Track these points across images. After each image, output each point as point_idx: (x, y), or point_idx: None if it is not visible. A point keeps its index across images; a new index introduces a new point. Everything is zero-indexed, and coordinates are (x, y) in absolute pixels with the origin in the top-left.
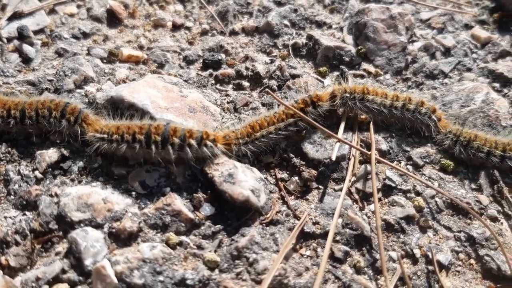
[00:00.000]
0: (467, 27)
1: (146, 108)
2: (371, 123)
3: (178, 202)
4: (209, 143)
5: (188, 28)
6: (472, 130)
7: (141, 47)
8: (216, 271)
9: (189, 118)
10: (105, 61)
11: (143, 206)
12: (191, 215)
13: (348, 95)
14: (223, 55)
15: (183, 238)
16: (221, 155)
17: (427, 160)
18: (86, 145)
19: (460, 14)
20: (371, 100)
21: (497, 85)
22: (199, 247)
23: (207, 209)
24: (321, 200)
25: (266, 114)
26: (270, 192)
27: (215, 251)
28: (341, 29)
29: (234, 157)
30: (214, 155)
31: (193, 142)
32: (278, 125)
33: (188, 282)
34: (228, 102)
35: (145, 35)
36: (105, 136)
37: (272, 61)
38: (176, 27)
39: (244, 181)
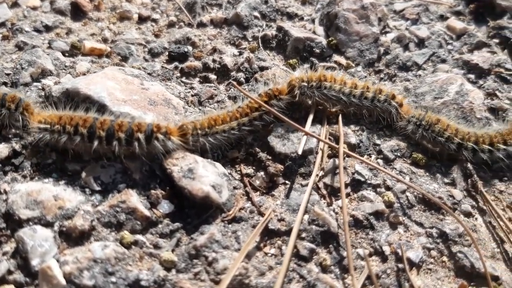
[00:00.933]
0: (442, 18)
1: (103, 101)
2: (340, 115)
3: (133, 199)
4: (160, 136)
5: (155, 20)
6: (436, 115)
7: (105, 40)
8: (173, 271)
9: (149, 111)
10: (67, 54)
11: (97, 203)
12: (147, 213)
13: (306, 84)
14: (189, 48)
15: (139, 237)
16: (178, 148)
17: (398, 154)
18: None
19: (435, 5)
20: (328, 87)
21: (472, 76)
22: (156, 246)
23: (165, 206)
24: (287, 196)
25: (230, 108)
26: (234, 188)
27: (173, 251)
28: (313, 21)
29: (194, 149)
30: (167, 150)
31: (141, 136)
32: (242, 120)
33: (143, 283)
34: (192, 95)
35: (109, 27)
36: (48, 126)
37: (240, 54)
38: (142, 20)
39: (205, 176)
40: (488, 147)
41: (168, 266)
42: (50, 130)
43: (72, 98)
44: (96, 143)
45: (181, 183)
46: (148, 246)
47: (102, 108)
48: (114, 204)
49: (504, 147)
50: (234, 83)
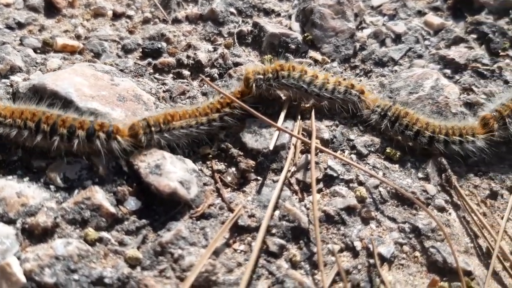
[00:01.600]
0: (420, 13)
1: (70, 97)
2: (313, 110)
3: (99, 196)
4: (102, 135)
5: (130, 17)
6: (405, 108)
7: (78, 37)
8: (138, 268)
9: (117, 107)
10: (38, 51)
11: (61, 200)
12: (113, 210)
13: (261, 76)
14: (164, 44)
15: (104, 234)
16: (128, 148)
17: (372, 149)
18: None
19: (413, 1)
20: (286, 76)
21: (448, 71)
22: (121, 243)
23: (132, 203)
24: (258, 192)
25: (200, 104)
26: (205, 184)
27: (139, 248)
28: (289, 17)
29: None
30: (109, 149)
31: (82, 134)
32: (201, 119)
33: (106, 280)
34: (164, 91)
35: (83, 24)
36: (1, 119)
37: (215, 50)
38: (117, 16)
39: (172, 172)
40: (459, 138)
41: (133, 263)
42: (2, 123)
43: (40, 94)
44: (39, 137)
45: (148, 179)
46: (113, 243)
47: (69, 104)
48: (79, 201)
49: (473, 138)
50: (205, 78)
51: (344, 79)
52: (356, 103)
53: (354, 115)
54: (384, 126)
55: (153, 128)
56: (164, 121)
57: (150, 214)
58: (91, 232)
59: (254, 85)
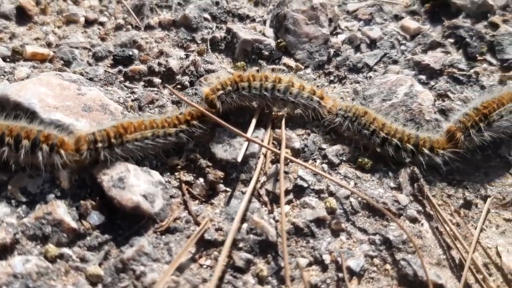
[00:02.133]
0: (397, 18)
1: (33, 108)
2: (284, 119)
3: (60, 211)
4: (45, 148)
5: (102, 24)
6: (364, 107)
7: (49, 44)
8: (99, 286)
9: (82, 118)
10: (8, 59)
11: (22, 215)
12: (74, 225)
13: (222, 91)
14: (135, 51)
15: (65, 250)
16: (70, 163)
17: (344, 158)
18: None
19: (390, 5)
20: (246, 87)
21: (423, 77)
22: (83, 259)
23: (95, 217)
24: (227, 204)
25: (155, 116)
26: (171, 197)
27: (100, 264)
28: (264, 22)
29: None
30: (51, 163)
31: (27, 144)
32: (169, 130)
33: None
34: (133, 100)
35: (54, 31)
36: None
37: (187, 56)
38: (89, 23)
39: (136, 185)
40: (412, 148)
41: (94, 280)
42: None
43: (3, 106)
44: None
45: (111, 193)
46: (75, 260)
47: (32, 115)
48: (40, 216)
49: (428, 153)
50: (170, 87)
51: (303, 85)
52: (316, 109)
53: (315, 120)
54: (345, 127)
55: (100, 144)
56: (116, 135)
57: (113, 229)
58: (51, 248)
59: (218, 102)
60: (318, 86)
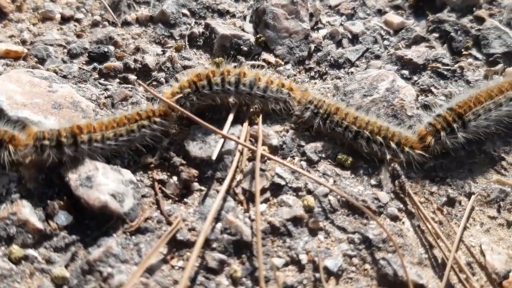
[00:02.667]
0: (380, 12)
1: (0, 105)
2: (261, 115)
3: (25, 211)
4: None
5: (78, 20)
6: (336, 103)
7: (23, 42)
8: None
9: (51, 115)
10: None
11: None
12: (40, 225)
13: (181, 94)
14: (111, 47)
15: (30, 251)
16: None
17: (323, 155)
18: None
19: None
20: (207, 85)
21: (406, 72)
22: (48, 261)
23: (62, 218)
24: (201, 203)
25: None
26: (143, 196)
27: (67, 266)
28: (244, 18)
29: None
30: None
31: None
32: (131, 127)
33: None
34: (106, 97)
35: (29, 28)
36: None
37: (164, 53)
38: (65, 20)
39: (104, 184)
40: (381, 140)
41: (59, 282)
42: None
43: None
44: None
45: (78, 192)
46: (40, 261)
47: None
48: (5, 216)
49: (394, 146)
50: (142, 83)
51: (270, 79)
52: (287, 102)
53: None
54: (316, 124)
55: (46, 142)
56: (67, 135)
57: (81, 230)
58: (15, 249)
59: (188, 103)
60: (297, 82)
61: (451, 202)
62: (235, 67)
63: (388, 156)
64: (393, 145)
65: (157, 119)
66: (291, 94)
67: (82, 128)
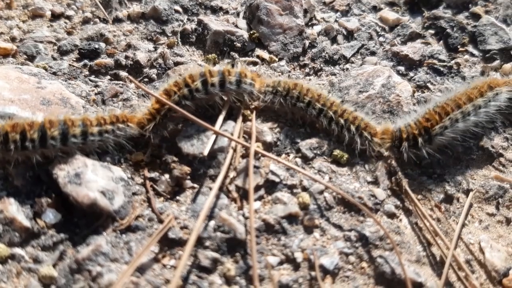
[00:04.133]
0: (376, 9)
1: None
2: (254, 112)
3: (12, 208)
4: None
5: (69, 17)
6: (293, 80)
7: (13, 39)
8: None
9: (39, 111)
10: None
11: None
12: (27, 223)
13: (153, 124)
14: (102, 44)
15: (17, 250)
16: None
17: (318, 152)
18: None
19: None
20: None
21: (402, 68)
22: (36, 260)
23: (50, 215)
24: (194, 200)
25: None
26: (134, 194)
27: (55, 265)
28: (238, 14)
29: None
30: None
31: None
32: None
33: None
34: (96, 94)
35: (19, 26)
36: None
37: (156, 49)
38: (55, 17)
39: (93, 181)
40: (342, 122)
41: (46, 282)
42: None
43: None
44: None
45: (66, 189)
46: (27, 260)
47: None
48: None
49: (353, 130)
50: (131, 77)
51: (228, 69)
52: (251, 91)
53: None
54: (278, 104)
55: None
56: (36, 130)
57: (70, 228)
58: (2, 248)
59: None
60: (291, 78)
61: (449, 199)
62: (233, 65)
63: (346, 138)
64: (353, 128)
65: (121, 125)
66: (255, 85)
67: (52, 122)
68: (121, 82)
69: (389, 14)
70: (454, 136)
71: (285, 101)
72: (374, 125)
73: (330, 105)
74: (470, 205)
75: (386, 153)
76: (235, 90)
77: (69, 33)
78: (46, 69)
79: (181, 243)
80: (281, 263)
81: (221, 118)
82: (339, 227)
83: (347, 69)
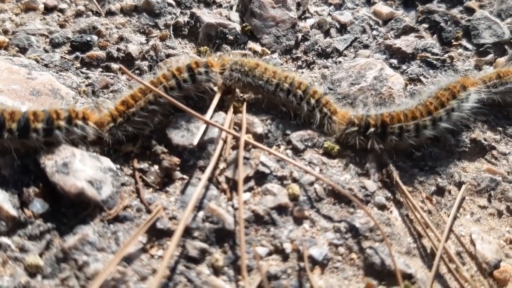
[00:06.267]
0: (369, 3)
1: None
2: (245, 103)
3: None
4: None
5: (62, 10)
6: (254, 59)
7: (5, 32)
8: (38, 277)
9: (28, 102)
10: None
11: None
12: (14, 212)
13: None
14: (94, 37)
15: (3, 239)
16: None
17: (309, 144)
18: None
19: None
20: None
21: (394, 61)
22: (22, 249)
23: (38, 205)
24: (183, 191)
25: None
26: (123, 184)
27: (41, 254)
28: (231, 8)
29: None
30: None
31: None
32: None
33: None
34: (86, 85)
35: (12, 18)
36: None
37: (148, 42)
38: (48, 10)
39: (81, 171)
40: (301, 93)
41: (32, 271)
42: None
43: None
44: None
45: (54, 179)
46: (13, 249)
47: None
48: None
49: (314, 103)
50: (123, 67)
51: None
52: (212, 78)
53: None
54: (241, 84)
55: None
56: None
57: (57, 218)
58: None
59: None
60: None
61: (440, 191)
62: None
63: (305, 110)
64: (313, 101)
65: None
66: (212, 69)
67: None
68: (112, 74)
69: (383, 8)
70: (412, 142)
71: (247, 78)
72: (333, 102)
73: (284, 78)
74: (463, 198)
75: (337, 134)
76: (201, 79)
77: (61, 26)
78: (37, 61)
79: (169, 233)
80: (270, 253)
81: (212, 108)
82: (329, 218)
83: (339, 62)
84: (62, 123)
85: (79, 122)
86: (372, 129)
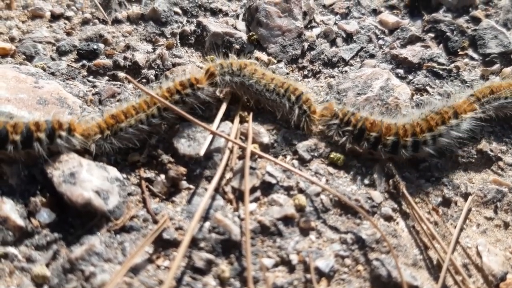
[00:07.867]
0: (375, 12)
1: None
2: (252, 113)
3: (6, 207)
4: None
5: (68, 18)
6: (244, 60)
7: (12, 39)
8: (45, 287)
9: (36, 111)
10: None
11: None
12: (21, 222)
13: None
14: (101, 45)
15: (10, 249)
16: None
17: (315, 154)
18: None
19: None
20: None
21: (401, 71)
22: (29, 259)
23: (45, 215)
24: (189, 201)
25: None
26: (130, 194)
27: (48, 264)
28: (237, 16)
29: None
30: None
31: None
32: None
33: None
34: (93, 94)
35: (18, 26)
36: None
37: (154, 50)
38: (55, 17)
39: (88, 181)
40: (280, 90)
41: (39, 281)
42: None
43: None
44: None
45: (61, 189)
46: (20, 260)
47: None
48: None
49: (294, 99)
50: (129, 77)
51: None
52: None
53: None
54: (235, 85)
55: None
56: None
57: (64, 228)
58: None
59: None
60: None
61: (446, 202)
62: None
63: (287, 106)
64: (293, 98)
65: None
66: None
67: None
68: (119, 82)
69: (389, 17)
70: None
71: (238, 79)
72: (313, 100)
73: (271, 80)
74: (469, 209)
75: (317, 130)
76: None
77: (68, 33)
78: (44, 69)
79: (175, 244)
80: (276, 265)
81: (218, 118)
82: (335, 229)
83: (346, 71)
84: (41, 135)
85: (63, 133)
86: (349, 128)
